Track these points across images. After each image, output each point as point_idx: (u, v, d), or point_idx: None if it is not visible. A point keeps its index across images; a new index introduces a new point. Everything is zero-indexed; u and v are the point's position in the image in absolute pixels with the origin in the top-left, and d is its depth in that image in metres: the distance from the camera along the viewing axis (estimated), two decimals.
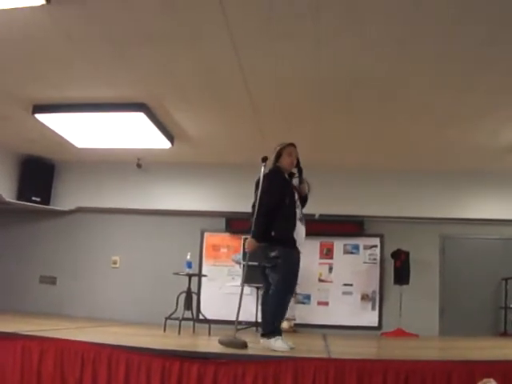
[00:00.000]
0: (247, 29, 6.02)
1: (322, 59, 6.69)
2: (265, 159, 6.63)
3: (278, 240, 6.49)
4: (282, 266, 6.49)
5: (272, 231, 6.46)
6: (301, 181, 6.84)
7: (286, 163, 6.73)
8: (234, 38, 6.22)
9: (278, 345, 6.21)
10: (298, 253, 6.56)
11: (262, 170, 6.62)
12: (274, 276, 6.57)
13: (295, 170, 6.94)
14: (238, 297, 6.46)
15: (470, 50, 6.26)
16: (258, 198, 6.53)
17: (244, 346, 6.07)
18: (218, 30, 6.02)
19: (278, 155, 6.78)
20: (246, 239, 10.74)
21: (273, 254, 6.51)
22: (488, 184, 11.36)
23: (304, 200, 6.92)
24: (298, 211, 6.66)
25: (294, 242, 6.49)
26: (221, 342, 6.17)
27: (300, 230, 6.62)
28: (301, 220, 6.65)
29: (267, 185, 6.57)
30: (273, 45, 6.36)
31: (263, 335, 6.49)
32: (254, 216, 6.53)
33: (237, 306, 6.41)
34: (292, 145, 6.84)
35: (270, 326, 6.49)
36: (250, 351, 5.88)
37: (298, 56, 6.64)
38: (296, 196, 6.72)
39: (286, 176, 6.82)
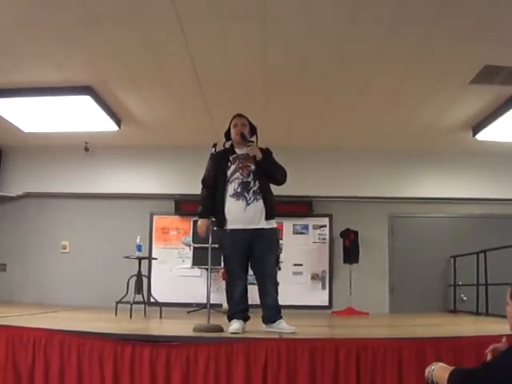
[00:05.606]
0: (194, 9, 6.01)
1: (270, 39, 6.72)
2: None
3: None
4: None
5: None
6: (248, 146, 6.29)
7: (232, 136, 6.44)
8: (181, 19, 6.21)
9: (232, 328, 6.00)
10: (228, 233, 6.12)
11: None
12: None
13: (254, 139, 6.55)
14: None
15: (419, 25, 6.34)
16: None
17: (220, 329, 5.93)
18: (164, 10, 6.01)
19: (228, 130, 6.52)
20: (195, 221, 10.81)
21: None
22: (435, 163, 11.58)
23: (262, 164, 6.20)
24: (231, 186, 6.11)
25: (221, 221, 6.14)
26: (196, 330, 6.01)
27: (232, 206, 6.07)
28: (236, 195, 6.07)
29: None
30: (220, 25, 6.37)
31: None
32: None
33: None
34: (237, 116, 6.51)
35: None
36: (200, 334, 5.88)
37: (245, 36, 6.66)
38: (232, 171, 6.21)
39: (237, 151, 6.36)
